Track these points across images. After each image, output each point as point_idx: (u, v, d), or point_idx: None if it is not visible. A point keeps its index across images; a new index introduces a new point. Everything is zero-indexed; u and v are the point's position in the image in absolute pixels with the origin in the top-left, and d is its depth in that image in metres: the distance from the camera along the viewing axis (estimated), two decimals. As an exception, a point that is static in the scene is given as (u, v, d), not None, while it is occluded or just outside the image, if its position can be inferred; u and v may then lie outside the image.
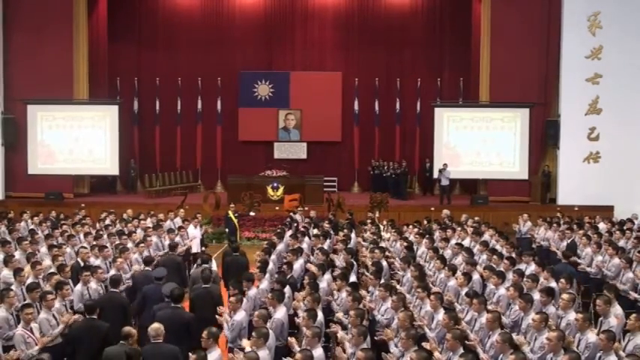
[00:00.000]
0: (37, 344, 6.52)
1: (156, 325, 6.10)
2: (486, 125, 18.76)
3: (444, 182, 18.34)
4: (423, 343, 6.11)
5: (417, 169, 20.86)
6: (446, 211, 14.77)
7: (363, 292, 7.69)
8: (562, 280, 7.88)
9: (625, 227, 12.53)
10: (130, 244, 10.47)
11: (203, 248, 12.34)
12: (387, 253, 10.31)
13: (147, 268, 8.93)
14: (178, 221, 13.36)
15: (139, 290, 8.17)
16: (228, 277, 9.22)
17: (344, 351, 6.07)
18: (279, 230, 11.91)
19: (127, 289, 8.64)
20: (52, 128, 19.18)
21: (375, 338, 6.89)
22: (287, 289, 7.80)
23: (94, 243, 10.37)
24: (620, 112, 17.50)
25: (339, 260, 9.68)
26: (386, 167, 20.21)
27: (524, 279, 7.98)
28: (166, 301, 7.17)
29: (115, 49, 20.95)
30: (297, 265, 9.30)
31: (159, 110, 21.27)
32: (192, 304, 7.95)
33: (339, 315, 7.32)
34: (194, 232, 12.48)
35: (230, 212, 14.13)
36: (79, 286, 8.13)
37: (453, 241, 11.09)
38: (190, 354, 5.58)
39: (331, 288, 8.19)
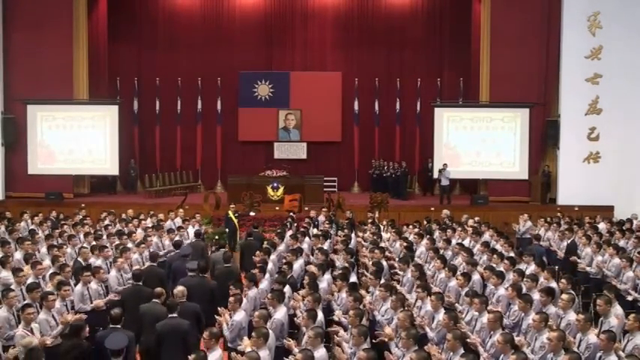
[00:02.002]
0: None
1: (180, 288, 7.48)
2: (486, 125, 18.75)
3: (444, 182, 18.33)
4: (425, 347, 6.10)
5: (417, 169, 20.85)
6: (446, 211, 14.77)
7: (363, 292, 7.69)
8: (562, 281, 7.89)
9: (625, 227, 12.54)
10: (130, 244, 10.48)
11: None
12: (386, 254, 10.31)
13: (177, 251, 10.24)
14: (178, 221, 13.38)
15: (172, 270, 9.55)
16: (243, 260, 10.79)
17: (343, 351, 6.08)
18: (279, 230, 11.91)
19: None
20: (52, 128, 19.18)
21: (374, 341, 6.88)
22: (287, 289, 7.81)
23: (94, 243, 10.39)
24: (620, 112, 17.50)
25: (339, 260, 9.68)
26: (386, 167, 20.20)
27: (524, 279, 7.98)
28: (190, 275, 8.44)
29: (115, 49, 20.95)
30: (297, 265, 9.31)
31: (159, 110, 21.26)
32: (215, 280, 9.00)
33: (339, 314, 7.32)
34: (193, 232, 12.49)
35: (230, 212, 14.13)
36: (79, 286, 8.13)
37: (454, 242, 11.11)
38: (190, 355, 5.59)
39: (331, 288, 8.19)
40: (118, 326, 6.58)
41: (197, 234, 11.96)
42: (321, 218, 14.06)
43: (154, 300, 7.46)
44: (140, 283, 8.22)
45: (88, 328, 6.52)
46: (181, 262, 9.25)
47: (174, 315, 6.88)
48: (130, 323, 6.96)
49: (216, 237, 13.23)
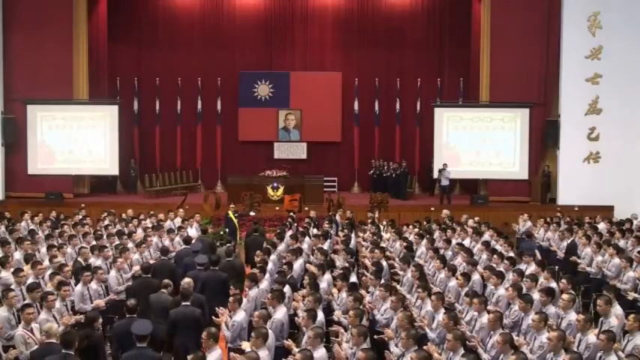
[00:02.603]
0: (37, 344, 6.52)
1: (187, 280, 7.94)
2: (486, 125, 18.75)
3: (444, 182, 18.31)
4: (425, 347, 6.11)
5: (417, 169, 20.84)
6: (446, 211, 14.77)
7: (363, 292, 7.69)
8: (563, 281, 7.89)
9: (625, 227, 12.54)
10: (130, 245, 10.48)
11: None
12: (386, 254, 10.31)
13: (186, 247, 10.58)
14: (178, 221, 13.38)
15: (180, 262, 9.95)
16: (249, 256, 11.16)
17: (342, 351, 6.08)
18: (279, 230, 11.92)
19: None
20: (52, 128, 19.18)
21: (375, 337, 6.89)
22: (287, 289, 7.81)
23: (94, 243, 10.39)
24: (620, 112, 17.50)
25: (339, 260, 9.68)
26: (386, 167, 20.20)
27: (524, 279, 7.98)
28: (197, 269, 8.94)
29: (115, 49, 20.95)
30: (297, 265, 9.31)
31: (159, 110, 21.25)
32: None
33: (339, 314, 7.32)
34: (192, 232, 12.52)
35: (230, 212, 14.13)
36: (79, 287, 8.14)
37: (454, 242, 11.11)
38: (189, 356, 5.59)
39: (331, 288, 8.19)
40: (134, 316, 6.85)
41: (204, 231, 12.70)
42: (337, 219, 14.00)
43: (161, 290, 7.85)
44: (149, 276, 8.66)
45: (101, 320, 6.83)
46: (192, 258, 9.55)
47: (188, 303, 7.22)
48: (139, 313, 7.16)
49: (222, 233, 13.42)
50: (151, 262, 10.03)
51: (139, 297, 7.60)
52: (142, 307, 7.34)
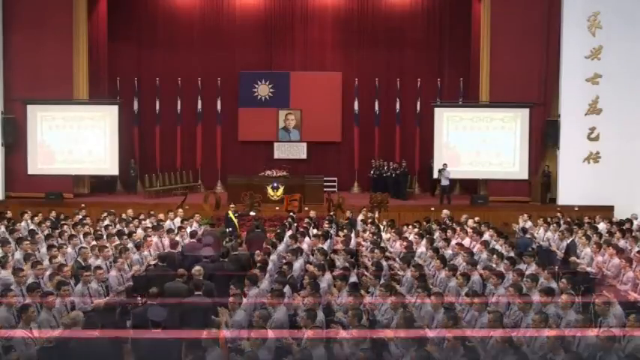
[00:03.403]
0: (36, 344, 6.51)
1: (197, 267, 8.51)
2: (486, 125, 18.75)
3: (444, 182, 18.30)
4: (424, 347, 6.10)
5: (417, 169, 20.84)
6: (446, 211, 14.77)
7: (363, 292, 7.70)
8: (563, 280, 7.90)
9: (625, 227, 12.54)
10: (130, 245, 10.49)
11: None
12: (386, 254, 10.31)
13: (192, 240, 11.21)
14: (178, 221, 13.39)
15: (187, 255, 10.39)
16: (251, 250, 11.30)
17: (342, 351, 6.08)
18: (279, 231, 11.93)
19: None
20: (52, 128, 19.17)
21: (375, 337, 6.89)
22: (287, 289, 7.81)
23: (94, 243, 10.39)
24: (620, 112, 17.49)
25: (339, 260, 9.68)
26: (386, 167, 20.19)
27: (524, 279, 7.98)
28: (204, 261, 9.36)
29: (115, 49, 20.96)
30: (297, 265, 9.32)
31: (159, 110, 21.24)
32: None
33: (339, 315, 7.32)
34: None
35: (230, 212, 14.13)
36: (79, 286, 8.14)
37: (454, 242, 11.11)
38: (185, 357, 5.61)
39: (332, 288, 8.19)
40: (155, 303, 7.21)
41: (211, 225, 13.46)
42: (360, 217, 13.98)
43: (177, 279, 8.42)
44: (165, 264, 9.24)
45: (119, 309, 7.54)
46: (199, 252, 10.01)
47: (199, 293, 7.70)
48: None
49: (229, 229, 13.45)
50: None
51: (155, 285, 7.88)
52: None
